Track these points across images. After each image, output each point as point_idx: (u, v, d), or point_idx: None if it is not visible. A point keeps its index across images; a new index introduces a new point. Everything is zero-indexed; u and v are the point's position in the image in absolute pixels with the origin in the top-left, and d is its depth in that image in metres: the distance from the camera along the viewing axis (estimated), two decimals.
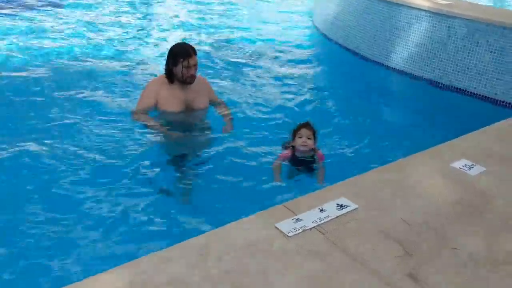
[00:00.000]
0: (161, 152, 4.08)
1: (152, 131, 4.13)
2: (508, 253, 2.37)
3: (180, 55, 4.05)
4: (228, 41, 8.22)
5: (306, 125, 3.91)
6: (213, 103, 4.59)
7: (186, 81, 4.14)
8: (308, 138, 3.83)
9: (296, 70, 6.90)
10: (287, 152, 3.97)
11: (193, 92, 4.28)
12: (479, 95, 5.93)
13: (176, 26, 8.91)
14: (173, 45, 4.22)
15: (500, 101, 5.77)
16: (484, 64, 5.82)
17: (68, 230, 3.18)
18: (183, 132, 4.17)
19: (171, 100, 4.18)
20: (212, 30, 8.92)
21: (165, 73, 4.20)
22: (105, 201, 3.48)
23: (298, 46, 8.25)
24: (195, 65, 4.13)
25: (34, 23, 8.35)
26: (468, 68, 5.99)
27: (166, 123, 4.18)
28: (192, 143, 4.16)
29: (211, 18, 9.87)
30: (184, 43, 4.28)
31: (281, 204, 2.62)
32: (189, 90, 4.25)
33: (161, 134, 4.09)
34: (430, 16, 6.24)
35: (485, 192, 2.92)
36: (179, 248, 2.24)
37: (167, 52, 4.19)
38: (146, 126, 4.19)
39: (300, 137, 3.83)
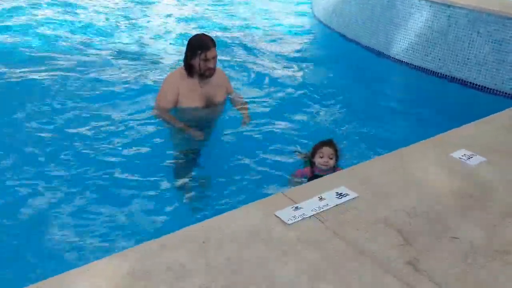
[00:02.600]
0: (175, 146, 3.97)
1: (170, 127, 4.03)
2: (508, 242, 2.37)
3: (199, 48, 3.89)
4: (225, 31, 8.17)
5: (329, 143, 3.59)
6: (229, 94, 4.43)
7: (205, 74, 3.99)
8: (330, 158, 3.53)
9: (295, 60, 6.86)
10: (306, 172, 3.67)
11: (213, 86, 4.14)
12: (479, 85, 5.92)
13: (172, 18, 8.84)
14: (192, 37, 4.06)
15: (500, 91, 5.76)
16: (484, 55, 5.80)
17: (68, 216, 3.19)
18: (203, 128, 4.05)
19: (192, 94, 4.04)
20: (209, 20, 8.87)
21: (184, 66, 4.05)
22: (109, 190, 3.49)
23: (297, 35, 8.21)
24: (214, 58, 3.95)
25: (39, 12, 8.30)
26: (468, 59, 5.97)
27: (186, 118, 4.05)
28: (209, 138, 4.05)
29: (208, 8, 9.80)
30: (203, 34, 4.09)
31: (281, 192, 2.62)
32: (209, 84, 4.10)
33: (178, 129, 3.98)
34: (430, 6, 6.21)
35: (485, 182, 2.92)
36: (179, 236, 2.25)
37: (184, 44, 4.02)
38: (167, 123, 4.07)
39: (321, 157, 3.53)
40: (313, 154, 3.61)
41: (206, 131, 4.07)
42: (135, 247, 2.13)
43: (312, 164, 3.64)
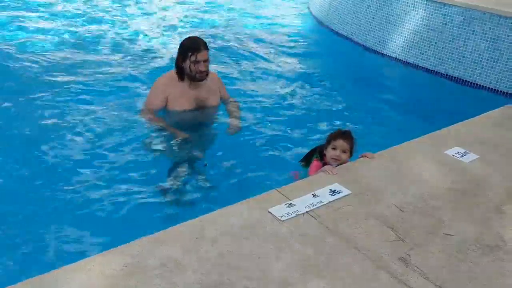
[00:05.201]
0: (167, 149, 3.97)
1: (160, 130, 3.96)
2: (499, 238, 2.40)
3: (189, 50, 3.81)
4: (222, 30, 8.15)
5: (345, 136, 3.17)
6: (224, 100, 4.34)
7: (196, 77, 3.87)
8: (343, 152, 3.13)
9: (292, 58, 6.86)
10: (319, 168, 3.19)
11: (204, 89, 4.05)
12: (474, 83, 5.95)
13: (166, 20, 8.78)
14: (183, 40, 3.99)
15: (494, 89, 5.78)
16: (479, 53, 5.82)
17: (63, 212, 3.19)
18: (192, 130, 3.99)
19: (181, 98, 3.97)
20: (205, 17, 8.85)
21: (175, 70, 3.97)
22: (104, 186, 3.48)
23: (294, 33, 8.20)
24: (206, 61, 3.83)
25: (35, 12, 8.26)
26: (463, 57, 5.99)
27: (175, 121, 4.00)
28: (201, 141, 4.03)
29: (204, 6, 9.77)
30: (195, 37, 4.00)
31: (275, 189, 2.64)
32: (200, 87, 3.99)
33: (169, 133, 3.90)
34: (426, 4, 6.23)
35: (477, 179, 2.95)
36: (173, 231, 2.27)
37: (177, 47, 3.98)
38: (153, 126, 4.01)
39: (334, 149, 3.13)
40: (326, 143, 3.23)
41: (198, 131, 4.05)
42: (130, 243, 2.15)
43: (322, 155, 3.28)
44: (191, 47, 3.81)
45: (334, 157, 3.11)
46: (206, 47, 3.84)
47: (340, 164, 3.10)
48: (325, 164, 3.18)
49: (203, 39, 3.98)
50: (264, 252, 2.15)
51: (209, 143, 4.06)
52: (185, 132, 3.88)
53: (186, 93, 3.95)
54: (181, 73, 3.92)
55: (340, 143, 3.12)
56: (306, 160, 3.50)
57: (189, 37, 4.00)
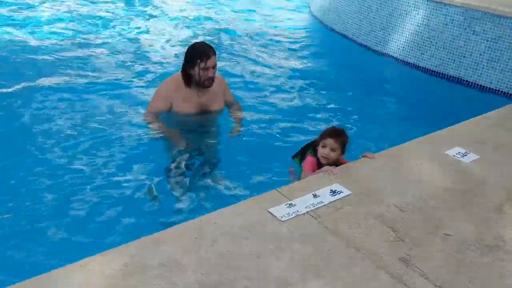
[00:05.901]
0: (166, 151, 3.96)
1: (161, 134, 3.93)
2: (498, 238, 2.40)
3: (198, 56, 3.71)
4: (222, 30, 8.15)
5: (335, 134, 3.18)
6: (228, 103, 4.26)
7: (204, 84, 3.81)
8: (332, 150, 3.13)
9: (292, 58, 6.86)
10: (313, 163, 3.24)
11: (210, 94, 3.98)
12: (474, 83, 5.95)
13: (169, 16, 8.79)
14: (191, 45, 3.90)
15: (495, 89, 5.78)
16: (480, 53, 5.82)
17: (63, 212, 3.19)
18: (195, 134, 3.98)
19: (186, 103, 3.92)
20: (206, 17, 8.85)
21: (182, 77, 3.90)
22: (104, 186, 3.48)
23: (294, 33, 8.20)
24: (214, 67, 3.78)
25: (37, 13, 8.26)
26: (464, 57, 5.99)
27: (178, 125, 3.97)
28: (203, 144, 4.01)
29: (204, 5, 9.77)
30: (203, 42, 3.94)
31: (275, 189, 2.64)
32: (207, 92, 3.94)
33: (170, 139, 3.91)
34: (426, 4, 6.23)
35: (478, 179, 2.95)
36: (173, 231, 2.27)
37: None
38: (154, 129, 3.96)
39: (323, 146, 3.15)
40: (318, 140, 3.25)
41: (201, 134, 4.02)
42: (130, 243, 2.15)
43: (315, 151, 3.29)
44: (200, 54, 3.69)
45: (323, 155, 3.13)
46: (214, 53, 3.76)
47: (329, 162, 3.12)
48: (318, 159, 3.21)
49: (205, 41, 3.95)
50: (264, 252, 2.15)
51: (211, 145, 4.05)
52: (185, 138, 3.86)
53: (191, 98, 3.89)
54: (188, 80, 3.85)
55: (329, 141, 3.13)
56: (301, 155, 3.50)
57: (197, 43, 3.89)
